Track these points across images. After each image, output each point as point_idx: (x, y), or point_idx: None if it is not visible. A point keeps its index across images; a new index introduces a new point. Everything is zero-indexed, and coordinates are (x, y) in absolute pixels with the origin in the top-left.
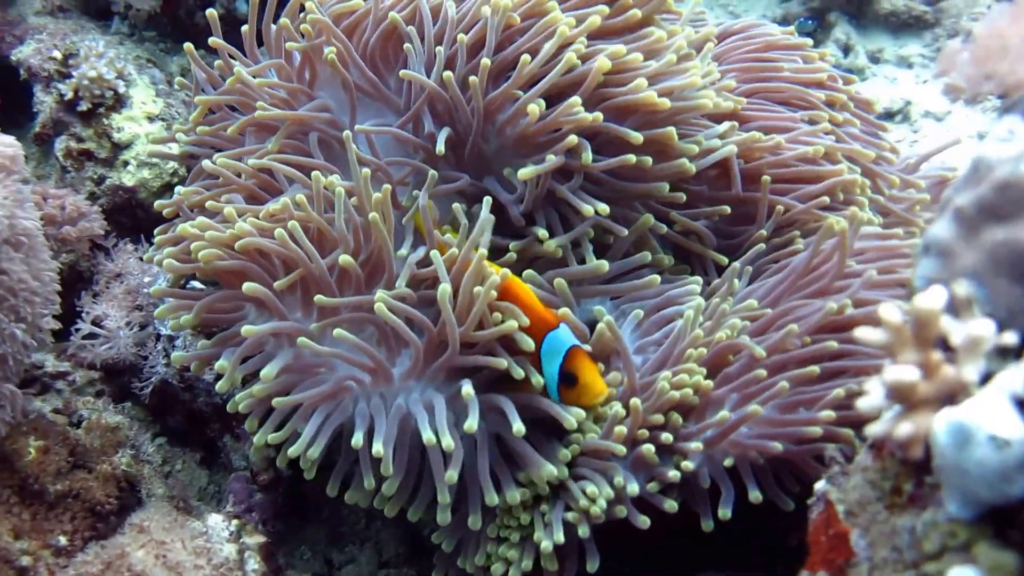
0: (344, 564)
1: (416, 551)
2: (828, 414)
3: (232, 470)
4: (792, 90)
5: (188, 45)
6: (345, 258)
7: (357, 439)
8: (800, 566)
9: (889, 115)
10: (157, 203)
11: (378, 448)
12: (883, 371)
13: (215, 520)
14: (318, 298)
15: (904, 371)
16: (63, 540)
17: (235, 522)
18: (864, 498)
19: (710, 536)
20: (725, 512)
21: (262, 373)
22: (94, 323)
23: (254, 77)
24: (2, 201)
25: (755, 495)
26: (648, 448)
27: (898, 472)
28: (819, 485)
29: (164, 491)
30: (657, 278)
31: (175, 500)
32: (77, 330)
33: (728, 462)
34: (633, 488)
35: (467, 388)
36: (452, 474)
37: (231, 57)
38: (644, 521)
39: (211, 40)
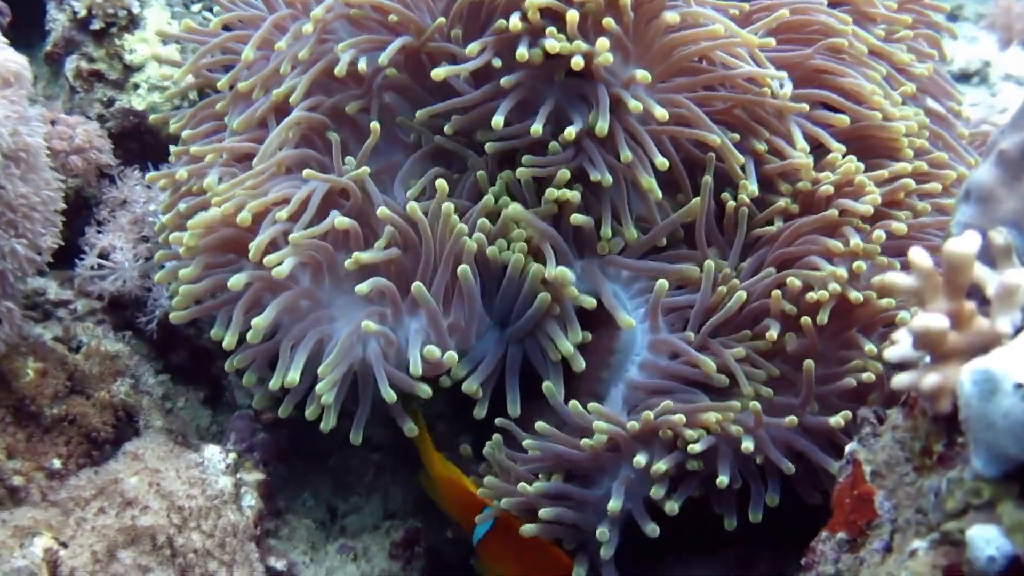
0: (348, 513)
1: (424, 503)
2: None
3: (236, 408)
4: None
5: None
6: (342, 220)
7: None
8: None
9: (965, 76)
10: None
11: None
12: (912, 319)
13: (211, 451)
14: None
15: (933, 319)
16: (57, 463)
17: (232, 455)
18: (892, 459)
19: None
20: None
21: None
22: (100, 255)
23: None
24: (5, 116)
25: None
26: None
27: (929, 432)
28: (849, 446)
29: (163, 423)
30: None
31: (174, 435)
32: (81, 259)
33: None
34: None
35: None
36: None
37: None
38: (653, 529)
39: None
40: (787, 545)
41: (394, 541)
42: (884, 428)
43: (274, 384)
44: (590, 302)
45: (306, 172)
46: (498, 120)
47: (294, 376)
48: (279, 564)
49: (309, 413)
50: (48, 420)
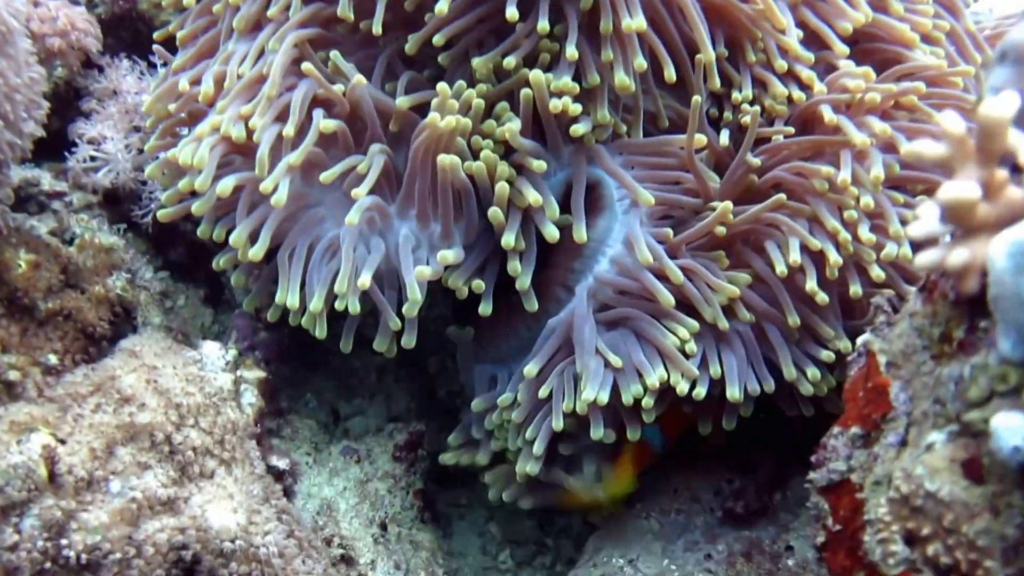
0: (351, 416)
1: (427, 407)
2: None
3: (237, 306)
4: None
5: None
6: (327, 122)
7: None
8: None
9: None
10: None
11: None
12: (939, 189)
13: (210, 348)
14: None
15: (963, 187)
16: (53, 359)
17: (232, 352)
18: (909, 347)
19: None
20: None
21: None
22: (91, 145)
23: None
24: None
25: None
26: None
27: (949, 316)
28: (862, 337)
29: (161, 320)
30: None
31: (174, 332)
32: (73, 152)
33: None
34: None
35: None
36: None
37: None
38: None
39: None
40: (790, 447)
41: (397, 444)
42: (900, 316)
43: (279, 299)
44: (535, 198)
45: (304, 66)
46: (512, 11)
47: (293, 301)
48: (281, 463)
49: (292, 320)
50: (42, 314)
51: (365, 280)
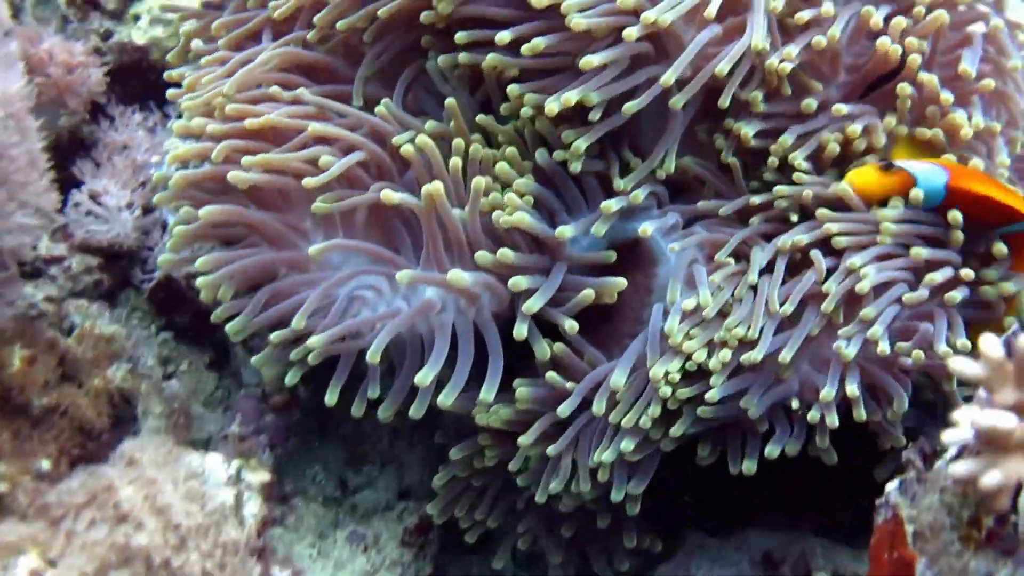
0: (360, 488)
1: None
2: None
3: (242, 385)
4: None
5: None
6: (327, 158)
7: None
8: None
9: None
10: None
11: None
12: (975, 409)
13: (213, 461)
14: (316, 206)
15: (1000, 419)
16: (46, 465)
17: (236, 462)
18: (937, 523)
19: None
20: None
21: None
22: (92, 198)
23: None
24: None
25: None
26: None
27: (979, 501)
28: (890, 487)
29: (162, 409)
30: None
31: (174, 416)
32: (76, 205)
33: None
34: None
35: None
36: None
37: None
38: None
39: None
40: (808, 524)
41: (407, 527)
42: (931, 480)
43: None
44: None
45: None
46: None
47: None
48: (283, 575)
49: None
50: (37, 411)
51: (315, 341)
